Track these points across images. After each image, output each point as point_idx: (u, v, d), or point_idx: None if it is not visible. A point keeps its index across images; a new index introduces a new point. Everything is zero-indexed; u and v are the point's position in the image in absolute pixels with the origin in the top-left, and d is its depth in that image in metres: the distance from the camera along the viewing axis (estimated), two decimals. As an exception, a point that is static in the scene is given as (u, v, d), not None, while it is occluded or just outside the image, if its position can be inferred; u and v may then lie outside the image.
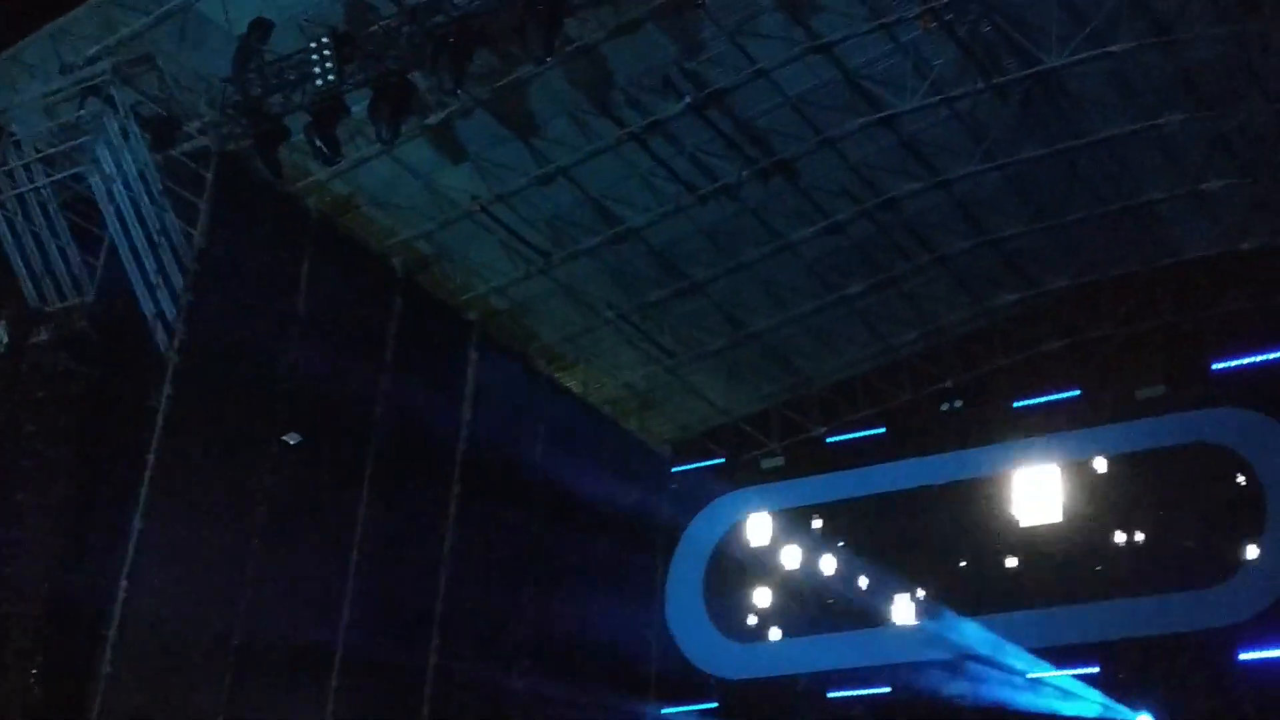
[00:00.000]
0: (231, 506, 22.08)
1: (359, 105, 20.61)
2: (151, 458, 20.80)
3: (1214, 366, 25.52)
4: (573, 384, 28.94)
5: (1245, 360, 25.26)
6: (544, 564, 27.27)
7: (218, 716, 21.23)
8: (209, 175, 22.01)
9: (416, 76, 20.36)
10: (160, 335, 21.07)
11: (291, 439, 22.76)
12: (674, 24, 21.02)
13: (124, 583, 20.14)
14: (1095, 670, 24.83)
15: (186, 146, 21.72)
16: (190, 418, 21.43)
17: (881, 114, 22.69)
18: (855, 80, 22.24)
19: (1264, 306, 25.13)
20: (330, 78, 19.70)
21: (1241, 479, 24.69)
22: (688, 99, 22.32)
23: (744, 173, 23.75)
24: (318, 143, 20.53)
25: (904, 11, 20.78)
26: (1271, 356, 25.04)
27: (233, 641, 21.56)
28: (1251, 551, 24.28)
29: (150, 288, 21.01)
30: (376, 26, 20.00)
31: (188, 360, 21.34)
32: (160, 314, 21.08)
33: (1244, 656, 23.54)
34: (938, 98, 22.22)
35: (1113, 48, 20.80)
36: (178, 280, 21.11)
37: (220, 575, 21.73)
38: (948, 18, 20.72)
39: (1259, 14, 20.10)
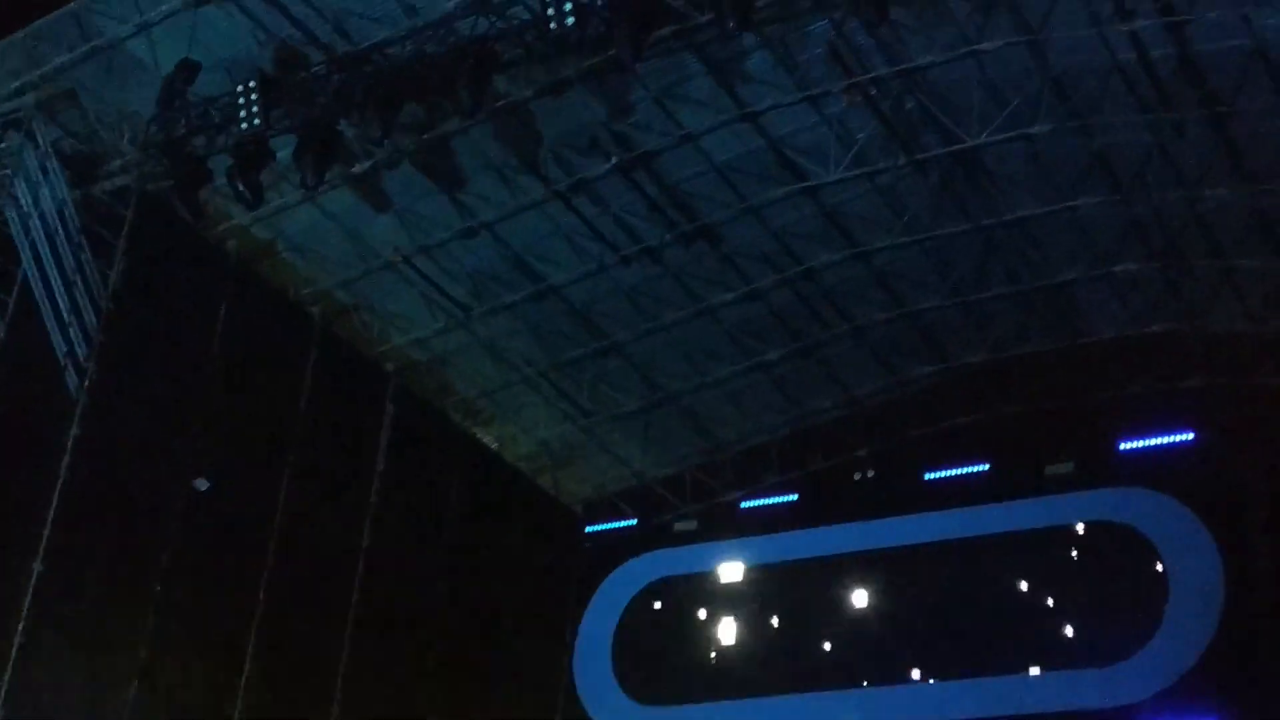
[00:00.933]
0: (137, 550, 21.71)
1: (284, 151, 20.53)
2: (56, 498, 20.44)
3: (1121, 446, 25.95)
4: (488, 440, 28.82)
5: (1152, 441, 25.71)
6: (453, 620, 27.01)
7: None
8: (128, 214, 21.79)
9: (343, 125, 20.34)
10: (70, 375, 20.79)
11: (200, 485, 22.46)
12: (603, 85, 21.20)
13: (21, 625, 19.71)
14: (997, 744, 24.98)
15: (107, 185, 21.50)
16: (98, 459, 21.11)
17: (804, 184, 22.96)
18: (780, 149, 22.50)
19: (1171, 389, 25.66)
20: (255, 122, 19.56)
21: (1145, 558, 25.05)
22: (614, 160, 22.46)
23: (667, 236, 23.91)
24: (240, 187, 20.36)
25: (829, 85, 21.09)
26: (1177, 439, 25.52)
27: (131, 691, 21.14)
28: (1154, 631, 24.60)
29: (63, 326, 20.74)
30: (305, 73, 19.98)
31: (98, 401, 21.05)
32: (71, 353, 20.80)
33: (1144, 735, 23.82)
34: (860, 171, 22.53)
35: (1031, 130, 21.23)
36: (91, 320, 20.85)
37: (122, 621, 21.35)
38: (872, 93, 21.07)
39: (1175, 104, 20.61)
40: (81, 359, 20.81)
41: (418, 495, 26.84)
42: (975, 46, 20.26)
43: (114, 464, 21.46)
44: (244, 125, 19.60)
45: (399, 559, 26.12)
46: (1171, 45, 19.72)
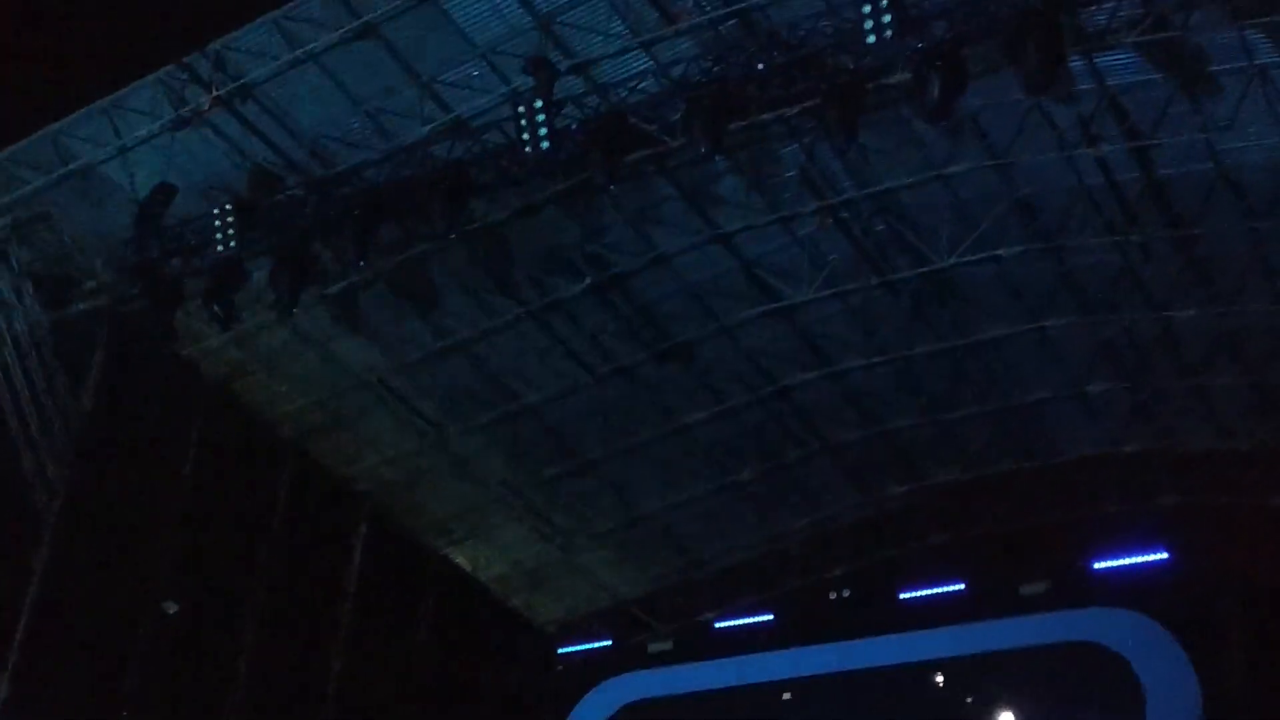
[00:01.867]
0: (104, 674, 21.44)
1: (259, 271, 20.60)
2: (24, 618, 20.20)
3: (1095, 565, 25.90)
4: (461, 560, 28.61)
5: (1126, 560, 25.69)
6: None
7: None
8: (102, 336, 21.81)
9: (318, 247, 20.46)
10: (40, 495, 20.65)
11: (169, 608, 22.22)
12: (577, 208, 21.39)
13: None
14: None
15: (80, 306, 21.52)
16: (67, 580, 20.92)
17: (777, 304, 23.12)
18: (752, 270, 22.70)
19: (1144, 508, 25.73)
20: (231, 244, 19.61)
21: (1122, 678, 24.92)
22: (588, 280, 22.60)
23: (641, 355, 23.99)
24: (215, 308, 20.40)
25: (800, 207, 21.35)
26: (1152, 558, 25.51)
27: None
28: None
29: (33, 446, 20.63)
30: (281, 196, 20.11)
31: (68, 521, 20.90)
32: (42, 473, 20.68)
33: None
34: (832, 291, 22.71)
35: (1000, 251, 21.49)
36: (62, 440, 20.76)
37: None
38: (843, 215, 21.33)
39: (1141, 226, 20.90)
40: (51, 479, 20.68)
41: (389, 616, 26.64)
42: (943, 170, 20.57)
43: (83, 586, 21.25)
44: (219, 248, 19.64)
45: (371, 680, 25.84)
46: (1137, 169, 20.05)
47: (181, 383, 23.29)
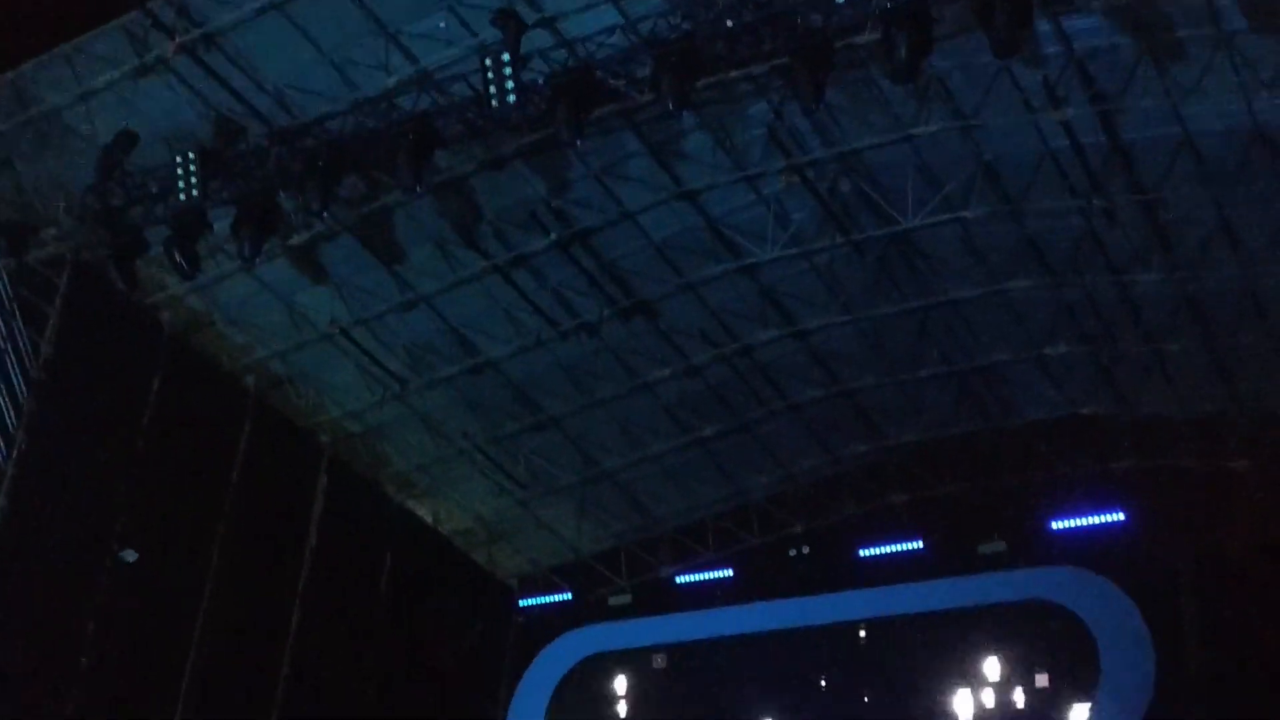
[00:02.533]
0: (63, 622, 21.38)
1: (221, 221, 20.45)
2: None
3: (1053, 525, 26.20)
4: (423, 513, 28.65)
5: (1083, 521, 25.97)
6: (384, 695, 26.73)
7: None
8: (62, 283, 21.65)
9: (282, 197, 20.33)
10: (-1, 444, 20.58)
11: (128, 556, 22.17)
12: (543, 162, 21.31)
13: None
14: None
15: (41, 253, 21.33)
16: (26, 528, 20.84)
17: (742, 262, 23.13)
18: (718, 228, 22.67)
19: (1102, 470, 25.97)
20: (194, 193, 19.45)
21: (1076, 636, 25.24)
22: (553, 236, 22.54)
23: (605, 311, 23.96)
24: (176, 258, 20.24)
25: (767, 166, 21.32)
26: (1108, 519, 25.79)
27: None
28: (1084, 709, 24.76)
29: (-9, 394, 20.53)
30: (244, 146, 19.95)
31: (26, 468, 20.80)
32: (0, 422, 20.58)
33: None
34: (797, 250, 22.73)
35: (965, 213, 21.53)
36: (21, 388, 20.62)
37: (47, 692, 20.96)
38: (809, 175, 21.31)
39: (1105, 190, 20.97)
40: (10, 428, 20.55)
41: (350, 568, 26.63)
42: (910, 131, 20.56)
43: (42, 534, 21.18)
44: (181, 196, 19.47)
45: (330, 632, 25.86)
46: (1102, 133, 20.08)
47: (142, 331, 23.15)
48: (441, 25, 19.18)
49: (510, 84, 17.78)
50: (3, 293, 20.59)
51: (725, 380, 25.92)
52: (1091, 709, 24.62)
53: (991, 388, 25.71)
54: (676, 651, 28.95)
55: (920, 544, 27.34)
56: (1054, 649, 25.42)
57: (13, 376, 20.56)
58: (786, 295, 24.03)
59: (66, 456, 21.60)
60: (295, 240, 22.16)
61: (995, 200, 21.46)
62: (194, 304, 23.63)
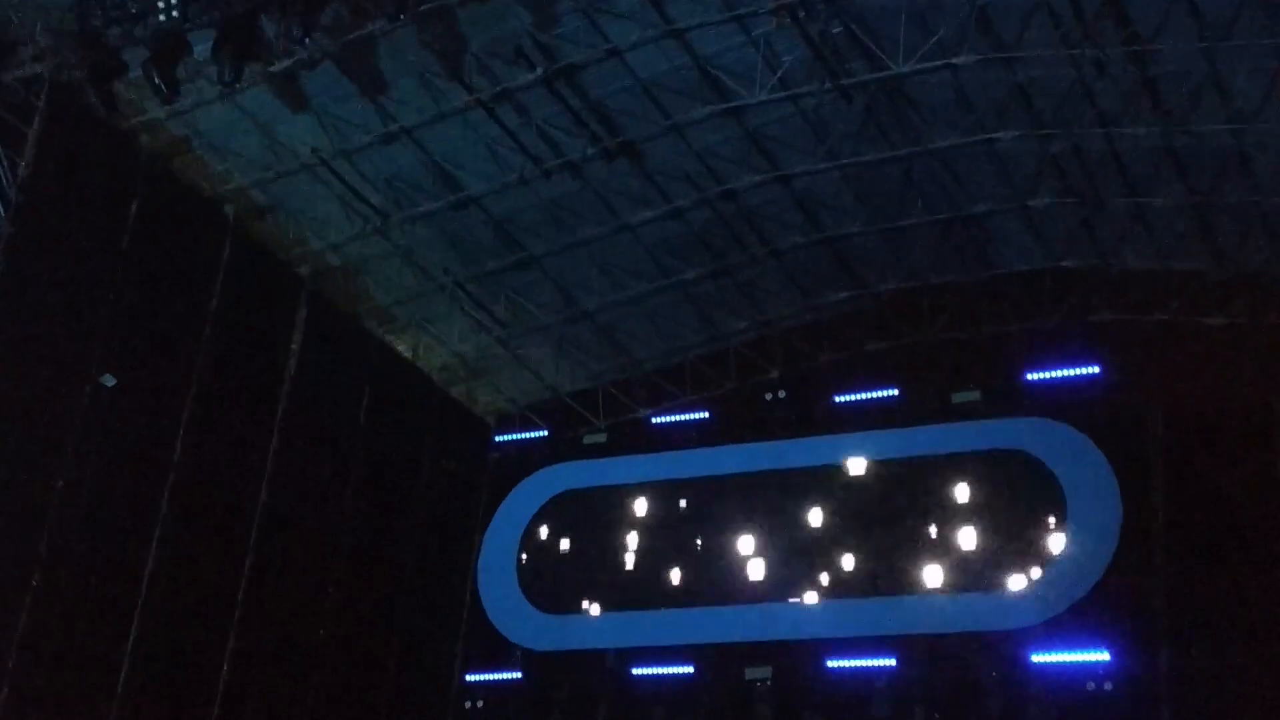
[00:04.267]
0: (41, 446, 21.47)
1: (202, 45, 20.11)
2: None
3: (1028, 377, 26.39)
4: (402, 348, 28.72)
5: (1058, 373, 26.17)
6: (359, 525, 27.06)
7: (9, 658, 20.67)
8: (40, 104, 21.35)
9: (264, 22, 19.97)
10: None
11: (107, 381, 22.20)
12: (530, -7, 21.00)
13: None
14: (892, 663, 25.50)
15: (19, 72, 20.99)
16: (4, 353, 20.83)
17: (729, 104, 22.89)
18: (706, 68, 22.41)
19: (1080, 324, 26.10)
20: (173, 14, 19.10)
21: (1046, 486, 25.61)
22: (539, 71, 22.23)
23: (589, 150, 23.76)
24: (156, 80, 19.96)
25: (757, 6, 20.99)
26: (1083, 371, 25.99)
27: (32, 581, 21.00)
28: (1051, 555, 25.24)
29: (-32, 216, 20.35)
30: (227, -33, 19.57)
31: (4, 293, 20.72)
32: (-23, 244, 20.44)
33: (1036, 659, 24.41)
34: (785, 94, 22.48)
35: (955, 60, 21.26)
36: (-3, 209, 20.48)
37: (22, 515, 21.15)
38: (800, 16, 20.97)
39: (1097, 41, 20.74)
40: (-14, 249, 20.46)
41: (329, 401, 26.74)
42: (904, -27, 20.27)
43: (20, 358, 21.18)
44: (161, 17, 19.14)
45: (308, 462, 26.06)
46: (1097, -18, 19.83)
47: (121, 156, 22.88)
48: None
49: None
50: (-21, 111, 20.29)
51: (708, 224, 25.86)
52: (1058, 556, 25.05)
53: (973, 238, 25.69)
54: (651, 490, 29.29)
55: (896, 391, 27.55)
56: (1023, 498, 25.78)
57: (-10, 197, 20.38)
58: (772, 140, 23.87)
59: (45, 279, 21.49)
60: (276, 67, 21.72)
61: (987, 48, 21.20)
62: (173, 129, 23.35)
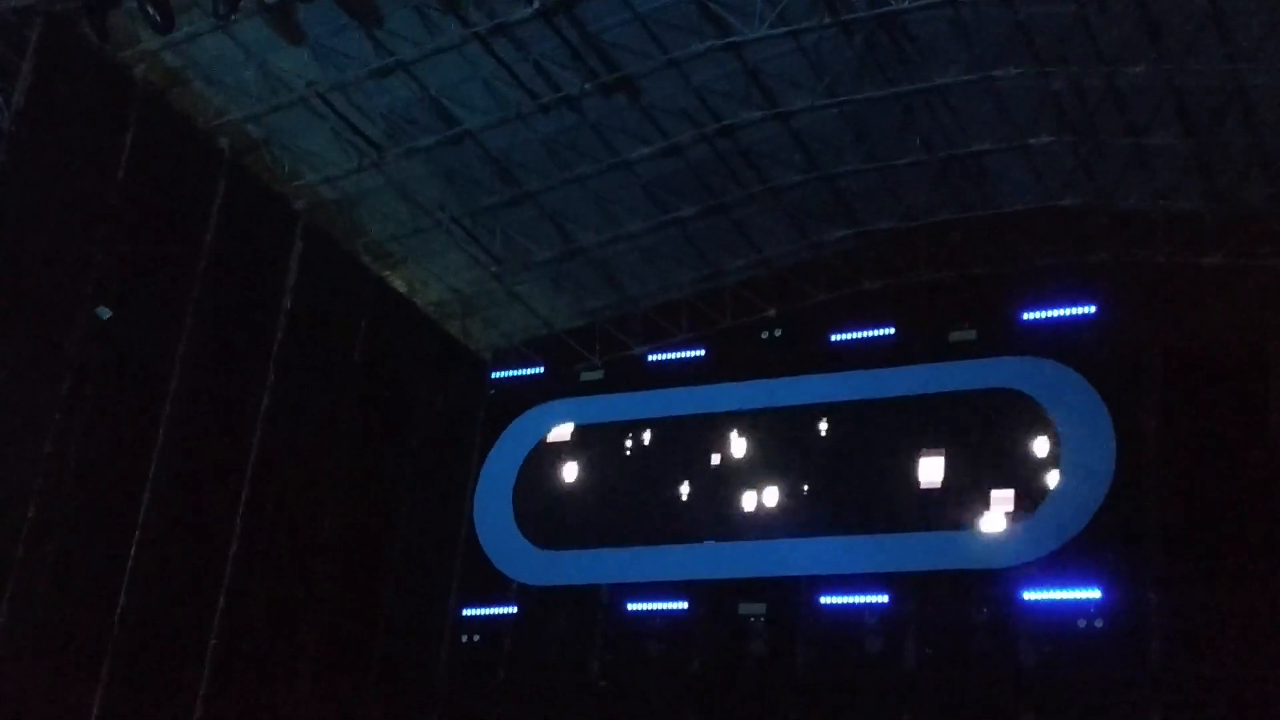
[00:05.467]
0: (38, 376, 21.47)
1: (197, -24, 20.00)
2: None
3: (1024, 316, 26.40)
4: (398, 283, 28.67)
5: (1054, 313, 26.17)
6: (356, 459, 27.13)
7: (6, 590, 20.77)
8: (34, 35, 21.18)
9: (260, -48, 19.84)
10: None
11: (102, 313, 22.17)
12: (529, -76, 20.79)
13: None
14: (885, 600, 25.65)
15: (14, 3, 20.83)
16: (-1, 284, 20.84)
17: (728, 39, 22.70)
18: (704, 2, 22.21)
19: (1077, 263, 26.08)
20: (169, -55, 19.02)
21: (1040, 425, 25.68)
22: (536, 5, 22.02)
23: (586, 85, 23.60)
24: (150, 11, 19.83)
25: (758, -62, 20.84)
26: (1079, 311, 25.99)
27: (28, 513, 21.06)
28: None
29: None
30: (222, -104, 19.39)
31: (-1, 224, 20.71)
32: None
33: (1027, 596, 24.56)
34: (785, 29, 22.30)
35: (957, -5, 21.15)
36: (-8, 140, 20.38)
37: (21, 445, 21.16)
38: (801, -51, 20.84)
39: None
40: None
41: (324, 335, 26.70)
42: (906, -92, 20.08)
43: (15, 289, 21.13)
44: (156, -52, 19.03)
45: (303, 398, 26.05)
46: (1102, -82, 19.67)
47: (115, 88, 22.74)
48: None
49: None
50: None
51: (705, 161, 25.73)
52: (1051, 494, 25.16)
53: (971, 177, 25.59)
54: (646, 427, 29.35)
55: (891, 330, 27.55)
56: (1018, 437, 25.85)
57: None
58: (771, 76, 23.71)
59: (39, 212, 21.41)
60: (271, -1, 21.61)
61: (989, -17, 21.08)
62: (168, 61, 23.21)
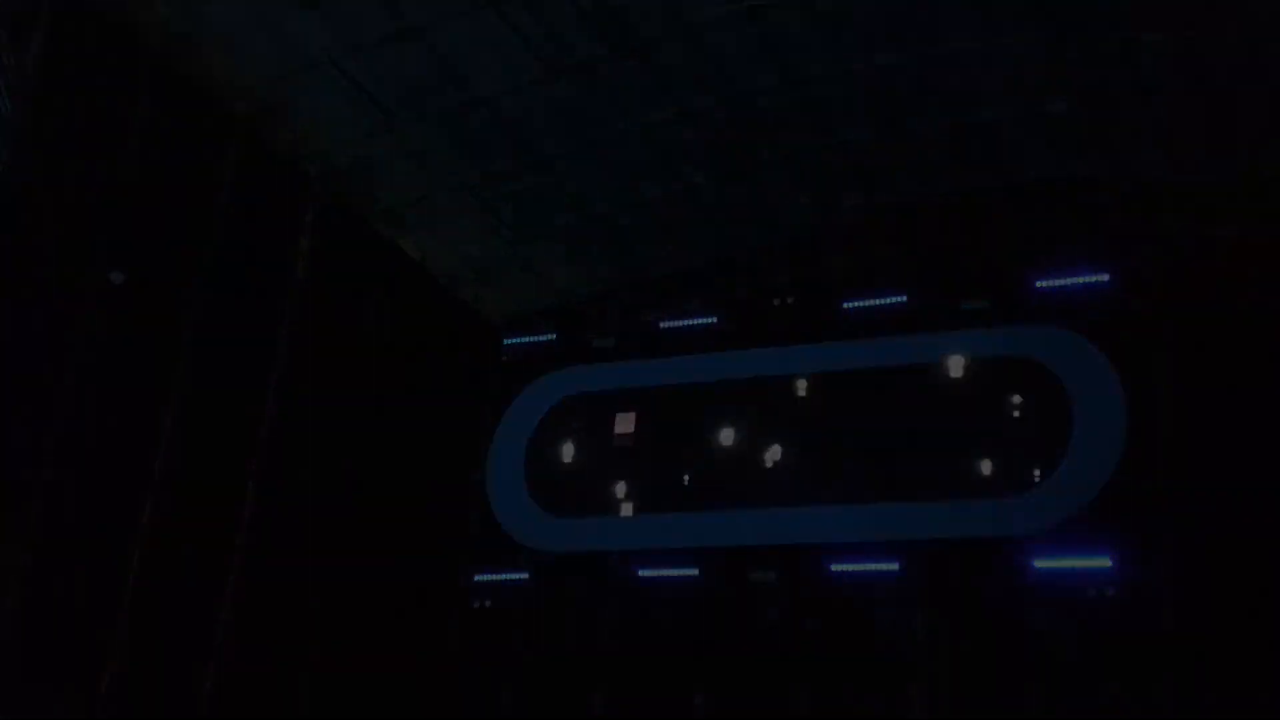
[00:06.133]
0: (49, 342, 21.51)
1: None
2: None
3: (1037, 284, 26.31)
4: (410, 250, 28.65)
5: (1067, 281, 26.08)
6: (368, 426, 27.17)
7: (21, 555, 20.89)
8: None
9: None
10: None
11: (116, 278, 22.19)
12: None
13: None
14: (895, 568, 25.67)
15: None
16: (13, 247, 20.80)
17: (744, 4, 22.56)
18: (720, -34, 22.14)
19: (1091, 231, 25.97)
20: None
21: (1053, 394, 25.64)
22: (550, -32, 21.98)
23: (601, 51, 23.48)
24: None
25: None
26: (1092, 280, 25.90)
27: (40, 476, 21.16)
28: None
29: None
30: None
31: (10, 190, 20.64)
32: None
33: (1039, 565, 24.56)
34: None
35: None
36: (5, 106, 20.31)
37: (28, 412, 21.23)
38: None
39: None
40: (-6, 145, 20.36)
41: (337, 301, 26.73)
42: None
43: (28, 254, 21.15)
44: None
45: (316, 365, 26.09)
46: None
47: (127, 51, 22.69)
48: None
49: None
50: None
51: (720, 128, 25.63)
52: (1063, 463, 25.13)
53: (986, 144, 25.49)
54: (658, 394, 29.37)
55: (904, 298, 27.49)
56: (1030, 406, 25.82)
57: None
58: (787, 42, 23.56)
59: (52, 177, 21.41)
60: (283, -37, 21.57)
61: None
62: (180, 25, 23.10)
